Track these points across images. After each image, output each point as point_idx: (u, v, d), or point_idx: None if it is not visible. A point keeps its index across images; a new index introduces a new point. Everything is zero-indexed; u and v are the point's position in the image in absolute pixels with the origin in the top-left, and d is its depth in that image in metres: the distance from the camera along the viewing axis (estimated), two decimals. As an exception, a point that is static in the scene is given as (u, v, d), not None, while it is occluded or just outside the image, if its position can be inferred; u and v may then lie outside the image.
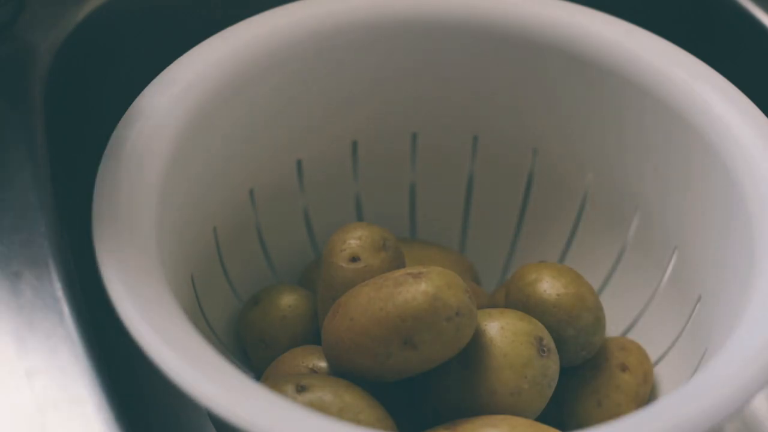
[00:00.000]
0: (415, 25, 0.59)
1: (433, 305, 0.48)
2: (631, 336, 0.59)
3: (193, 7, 0.65)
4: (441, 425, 0.50)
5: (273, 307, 0.58)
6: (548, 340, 0.52)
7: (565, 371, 0.54)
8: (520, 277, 0.56)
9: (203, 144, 0.54)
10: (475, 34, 0.59)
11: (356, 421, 0.48)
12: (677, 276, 0.57)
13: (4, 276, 0.47)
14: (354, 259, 0.54)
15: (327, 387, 0.50)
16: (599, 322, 0.55)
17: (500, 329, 0.51)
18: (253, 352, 0.58)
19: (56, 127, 0.56)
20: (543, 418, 0.52)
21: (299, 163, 0.61)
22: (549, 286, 0.54)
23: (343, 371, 0.52)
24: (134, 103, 0.52)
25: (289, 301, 0.58)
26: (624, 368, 0.55)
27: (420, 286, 0.49)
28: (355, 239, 0.54)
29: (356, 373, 0.51)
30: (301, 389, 0.49)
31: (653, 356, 0.57)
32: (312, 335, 0.57)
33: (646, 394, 0.55)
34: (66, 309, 0.46)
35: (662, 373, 0.57)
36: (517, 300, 0.55)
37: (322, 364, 0.54)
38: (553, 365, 0.51)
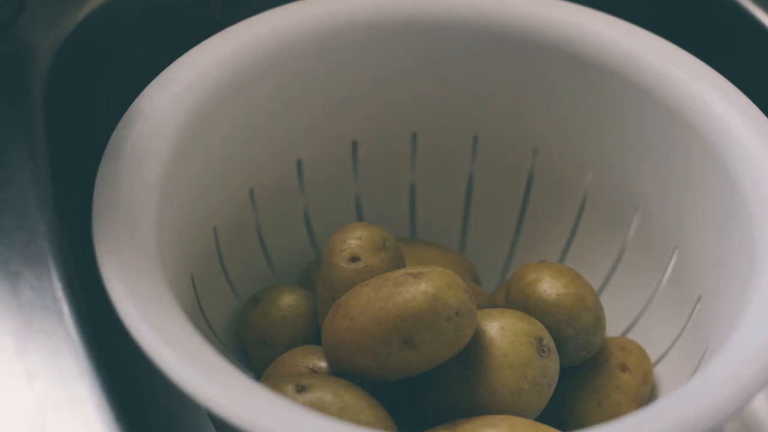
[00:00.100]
0: (415, 25, 0.59)
1: (433, 305, 0.48)
2: (631, 336, 0.59)
3: (193, 7, 0.65)
4: (441, 425, 0.50)
5: (273, 307, 0.58)
6: (548, 340, 0.52)
7: (565, 371, 0.54)
8: (520, 277, 0.56)
9: (203, 144, 0.54)
10: (475, 34, 0.59)
11: (356, 421, 0.48)
12: (677, 276, 0.57)
13: (4, 276, 0.47)
14: (354, 259, 0.54)
15: (327, 387, 0.50)
16: (599, 322, 0.55)
17: (500, 329, 0.51)
18: (253, 352, 0.58)
19: (56, 127, 0.56)
20: (543, 418, 0.52)
21: (299, 163, 0.61)
22: (549, 286, 0.54)
23: (343, 371, 0.52)
24: (134, 103, 0.52)
25: (289, 301, 0.58)
26: (624, 368, 0.55)
27: (420, 286, 0.49)
28: (355, 239, 0.54)
29: (356, 373, 0.51)
30: (301, 389, 0.49)
31: (653, 356, 0.57)
32: (312, 335, 0.57)
33: (646, 394, 0.55)
34: (66, 309, 0.46)
35: (662, 373, 0.57)
36: (517, 300, 0.55)
37: (322, 364, 0.54)
38: (553, 365, 0.52)
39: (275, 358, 0.56)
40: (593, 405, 0.54)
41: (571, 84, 0.59)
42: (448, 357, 0.50)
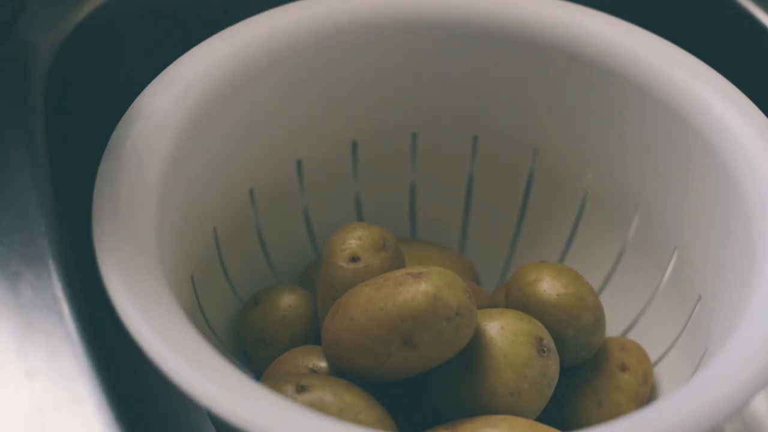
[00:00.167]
0: (415, 25, 0.59)
1: (433, 305, 0.48)
2: (631, 336, 0.59)
3: (193, 7, 0.65)
4: (441, 425, 0.50)
5: (273, 307, 0.58)
6: (548, 340, 0.52)
7: (565, 371, 0.54)
8: (520, 277, 0.56)
9: (203, 144, 0.54)
10: (475, 34, 0.59)
11: (356, 421, 0.48)
12: (677, 276, 0.57)
13: (4, 276, 0.47)
14: (354, 259, 0.54)
15: (327, 387, 0.50)
16: (599, 322, 0.55)
17: (500, 329, 0.51)
18: (253, 352, 0.58)
19: (56, 127, 0.56)
20: (543, 418, 0.52)
21: (299, 163, 0.61)
22: (549, 286, 0.54)
23: (343, 371, 0.52)
24: (134, 103, 0.52)
25: (289, 301, 0.58)
26: (624, 368, 0.55)
27: (420, 286, 0.49)
28: (355, 239, 0.54)
29: (356, 373, 0.51)
30: (301, 389, 0.49)
31: (653, 356, 0.57)
32: (312, 335, 0.57)
33: (646, 394, 0.55)
34: (66, 309, 0.46)
35: (662, 373, 0.57)
36: (517, 300, 0.55)
37: (322, 364, 0.54)
38: (553, 365, 0.51)
39: (275, 358, 0.56)
40: (593, 405, 0.54)
41: (571, 84, 0.59)
42: (448, 357, 0.50)
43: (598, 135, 0.60)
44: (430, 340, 0.49)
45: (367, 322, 0.49)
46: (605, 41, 0.57)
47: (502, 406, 0.50)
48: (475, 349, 0.51)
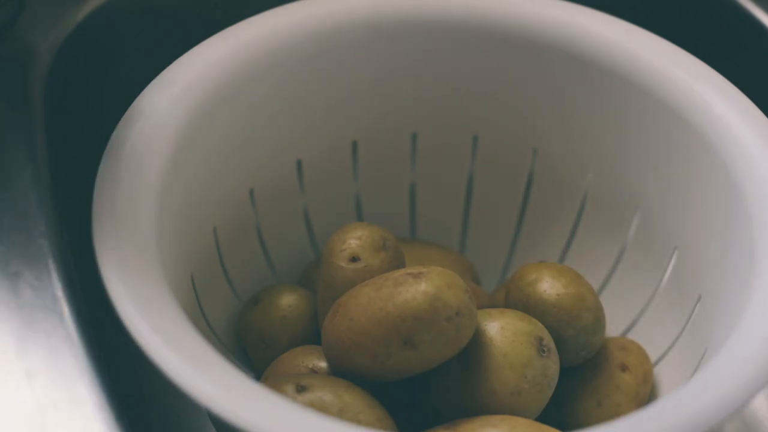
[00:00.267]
0: (415, 25, 0.59)
1: (433, 305, 0.48)
2: (631, 336, 0.59)
3: (193, 7, 0.65)
4: (441, 425, 0.50)
5: (273, 307, 0.58)
6: (548, 340, 0.52)
7: (565, 371, 0.54)
8: (520, 277, 0.56)
9: (203, 144, 0.54)
10: (475, 34, 0.59)
11: (356, 421, 0.48)
12: (677, 276, 0.57)
13: (4, 276, 0.47)
14: (354, 259, 0.54)
15: (327, 387, 0.50)
16: (599, 322, 0.55)
17: (500, 329, 0.51)
18: (253, 352, 0.58)
19: (56, 127, 0.56)
20: (543, 418, 0.52)
21: (299, 163, 0.61)
22: (549, 286, 0.54)
23: (343, 371, 0.52)
24: (134, 103, 0.52)
25: (289, 301, 0.58)
26: (624, 368, 0.55)
27: (420, 286, 0.49)
28: (355, 239, 0.54)
29: (356, 373, 0.51)
30: (301, 389, 0.49)
31: (653, 356, 0.57)
32: (312, 335, 0.57)
33: (646, 394, 0.55)
34: (66, 309, 0.46)
35: (662, 373, 0.57)
36: (517, 300, 0.55)
37: (322, 364, 0.54)
38: (553, 365, 0.51)
39: (275, 358, 0.56)
40: (593, 405, 0.54)
41: (571, 84, 0.59)
42: (448, 357, 0.50)
43: (599, 135, 0.60)
44: (430, 340, 0.49)
45: (367, 322, 0.49)
46: (605, 41, 0.57)
47: (502, 406, 0.50)
48: (475, 349, 0.51)
